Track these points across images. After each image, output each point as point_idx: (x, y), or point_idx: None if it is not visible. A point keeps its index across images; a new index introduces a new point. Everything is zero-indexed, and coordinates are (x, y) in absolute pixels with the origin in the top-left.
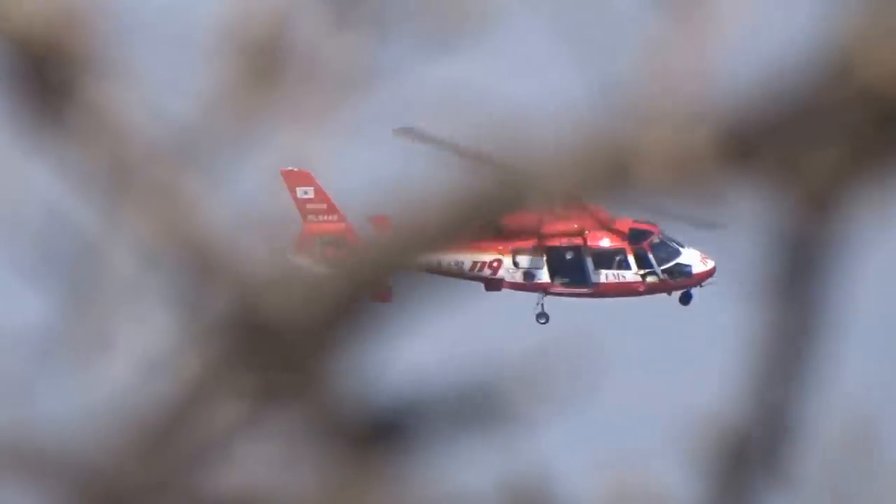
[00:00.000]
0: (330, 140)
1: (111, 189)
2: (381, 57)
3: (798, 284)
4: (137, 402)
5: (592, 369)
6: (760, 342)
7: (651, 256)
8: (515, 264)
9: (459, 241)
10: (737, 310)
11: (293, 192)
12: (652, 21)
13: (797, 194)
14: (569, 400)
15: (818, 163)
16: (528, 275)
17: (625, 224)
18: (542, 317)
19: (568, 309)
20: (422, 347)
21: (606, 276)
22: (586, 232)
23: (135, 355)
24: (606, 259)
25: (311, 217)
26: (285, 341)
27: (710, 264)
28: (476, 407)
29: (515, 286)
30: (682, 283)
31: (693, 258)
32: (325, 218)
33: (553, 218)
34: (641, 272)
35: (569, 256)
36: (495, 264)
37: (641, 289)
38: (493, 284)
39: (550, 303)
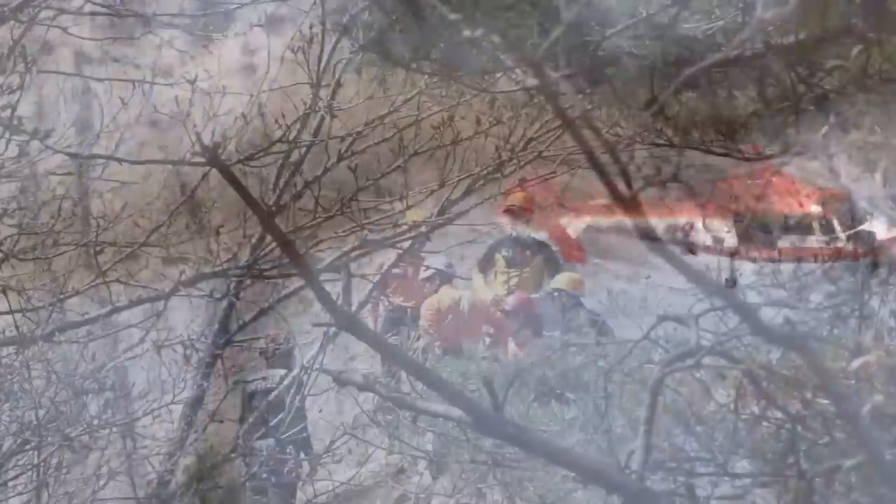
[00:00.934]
0: None
1: None
2: None
3: None
4: None
5: None
6: None
7: (836, 223)
8: (706, 228)
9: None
10: None
11: None
12: None
13: None
14: None
15: None
16: (717, 239)
17: (812, 192)
18: (730, 282)
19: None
20: None
21: (791, 241)
22: (774, 197)
23: None
24: (792, 225)
25: None
26: None
27: None
28: None
29: (706, 250)
30: (867, 251)
31: (881, 226)
32: None
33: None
34: (825, 237)
35: (756, 222)
36: (688, 227)
37: (825, 255)
38: (690, 249)
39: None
